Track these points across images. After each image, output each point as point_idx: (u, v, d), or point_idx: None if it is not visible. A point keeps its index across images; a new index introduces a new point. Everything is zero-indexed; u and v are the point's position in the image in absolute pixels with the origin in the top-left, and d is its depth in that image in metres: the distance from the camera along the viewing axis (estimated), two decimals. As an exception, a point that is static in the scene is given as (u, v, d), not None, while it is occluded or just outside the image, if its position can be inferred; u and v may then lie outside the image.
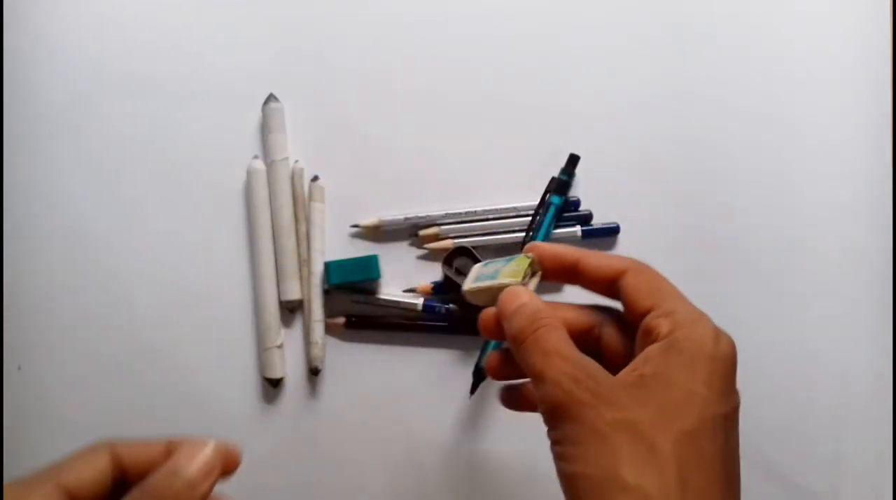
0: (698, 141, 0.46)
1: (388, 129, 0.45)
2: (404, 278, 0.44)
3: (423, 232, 0.44)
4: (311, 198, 0.43)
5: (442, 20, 0.45)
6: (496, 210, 0.44)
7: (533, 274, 0.30)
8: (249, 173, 0.43)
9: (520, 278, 0.29)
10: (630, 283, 0.29)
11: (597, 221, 0.45)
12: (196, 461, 0.23)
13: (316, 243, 0.43)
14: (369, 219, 0.44)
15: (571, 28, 0.46)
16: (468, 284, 0.30)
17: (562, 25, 0.46)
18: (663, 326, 0.27)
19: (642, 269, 0.30)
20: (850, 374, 0.45)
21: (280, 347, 0.43)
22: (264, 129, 0.44)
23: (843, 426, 0.44)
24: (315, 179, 0.44)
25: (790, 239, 0.45)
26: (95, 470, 0.24)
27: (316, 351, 0.42)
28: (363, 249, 0.44)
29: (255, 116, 0.44)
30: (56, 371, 0.43)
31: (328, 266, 0.42)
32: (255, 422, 0.43)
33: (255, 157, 0.44)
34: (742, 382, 0.44)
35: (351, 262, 0.42)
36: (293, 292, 0.43)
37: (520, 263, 0.30)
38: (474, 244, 0.43)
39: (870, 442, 0.44)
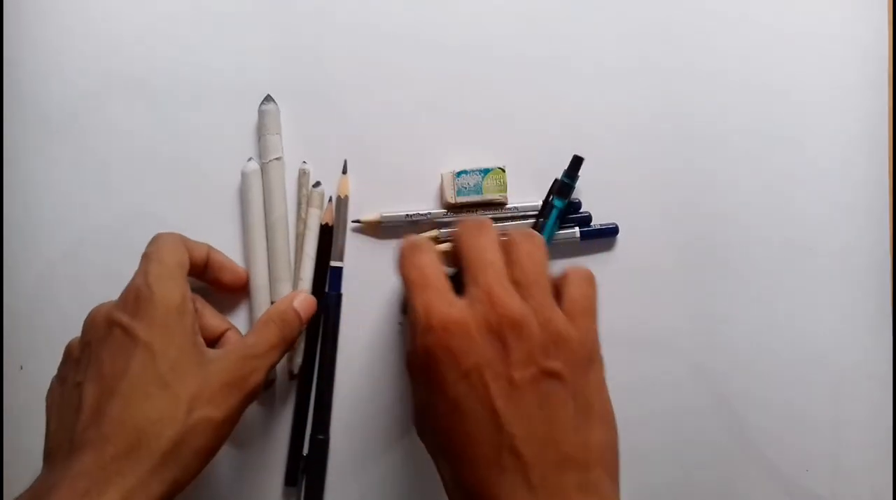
0: (698, 142, 0.45)
1: (388, 129, 0.45)
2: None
3: (423, 234, 0.44)
4: (309, 204, 0.43)
5: (444, 20, 0.45)
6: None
7: None
8: (244, 175, 0.43)
9: None
10: None
11: (596, 223, 0.45)
12: (300, 298, 0.39)
13: (308, 249, 0.43)
14: (370, 215, 0.44)
15: (575, 31, 0.45)
16: None
17: (565, 28, 0.45)
18: None
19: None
20: (848, 375, 0.45)
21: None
22: (260, 130, 0.44)
23: (842, 427, 0.44)
24: (317, 184, 0.44)
25: (789, 241, 0.45)
26: (186, 260, 0.37)
27: (297, 358, 0.43)
28: (364, 248, 0.44)
29: (254, 117, 0.44)
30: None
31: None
32: (246, 423, 0.43)
33: (250, 159, 0.44)
34: (741, 383, 0.45)
35: None
36: (284, 294, 0.43)
37: None
38: None
39: (869, 443, 0.44)
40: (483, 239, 0.33)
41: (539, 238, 0.34)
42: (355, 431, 0.43)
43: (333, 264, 0.43)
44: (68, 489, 0.29)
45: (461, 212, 0.44)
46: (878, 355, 0.45)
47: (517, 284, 0.31)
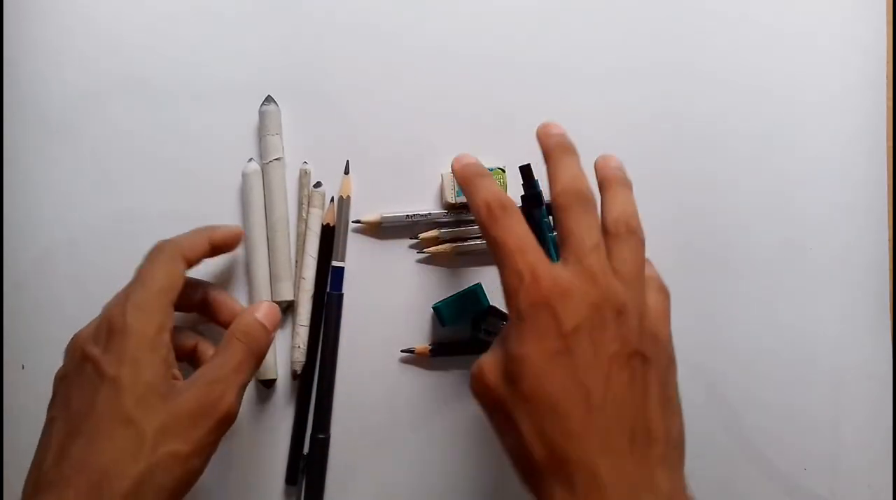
0: (697, 142, 0.45)
1: (388, 130, 0.45)
2: (403, 281, 0.44)
3: (423, 235, 0.44)
4: (310, 204, 0.43)
5: (444, 21, 0.45)
6: None
7: None
8: (245, 176, 0.43)
9: None
10: None
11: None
12: (262, 308, 0.37)
13: (310, 249, 0.43)
14: (371, 215, 0.44)
15: (575, 33, 0.46)
16: None
17: (566, 29, 0.46)
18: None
19: None
20: (847, 375, 0.45)
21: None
22: (260, 130, 0.44)
23: (842, 426, 0.44)
24: (318, 185, 0.44)
25: (788, 241, 0.45)
26: (178, 287, 0.35)
27: (297, 356, 0.43)
28: (365, 248, 0.44)
29: (255, 118, 0.44)
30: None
31: (438, 309, 0.42)
32: (248, 422, 0.44)
33: (250, 160, 0.44)
34: (740, 384, 0.45)
35: (458, 298, 0.42)
36: (286, 293, 0.43)
37: None
38: (474, 249, 0.44)
39: (868, 443, 0.45)
40: (590, 218, 0.33)
41: (642, 236, 0.35)
42: (356, 430, 0.43)
43: (335, 264, 0.44)
44: None
45: (461, 212, 0.44)
46: (878, 355, 0.45)
47: (617, 273, 0.32)
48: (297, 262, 0.44)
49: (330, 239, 0.44)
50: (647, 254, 0.45)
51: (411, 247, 0.44)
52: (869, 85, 0.46)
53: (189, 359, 0.39)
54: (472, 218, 0.44)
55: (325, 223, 0.44)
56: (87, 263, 0.44)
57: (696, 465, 0.44)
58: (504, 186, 0.43)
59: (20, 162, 0.44)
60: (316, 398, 0.43)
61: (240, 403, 0.34)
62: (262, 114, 0.44)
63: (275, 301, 0.43)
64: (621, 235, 0.33)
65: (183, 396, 0.32)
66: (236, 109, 0.44)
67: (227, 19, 0.45)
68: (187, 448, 0.32)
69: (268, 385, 0.43)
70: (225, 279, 0.44)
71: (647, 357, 0.31)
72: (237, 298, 0.44)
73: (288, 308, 0.44)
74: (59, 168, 0.44)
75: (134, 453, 0.30)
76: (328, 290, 0.43)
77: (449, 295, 0.42)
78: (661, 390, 0.31)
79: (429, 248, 0.44)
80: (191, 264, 0.37)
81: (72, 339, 0.34)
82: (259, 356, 0.36)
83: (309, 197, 0.44)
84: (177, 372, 0.34)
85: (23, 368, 0.43)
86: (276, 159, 0.43)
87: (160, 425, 0.31)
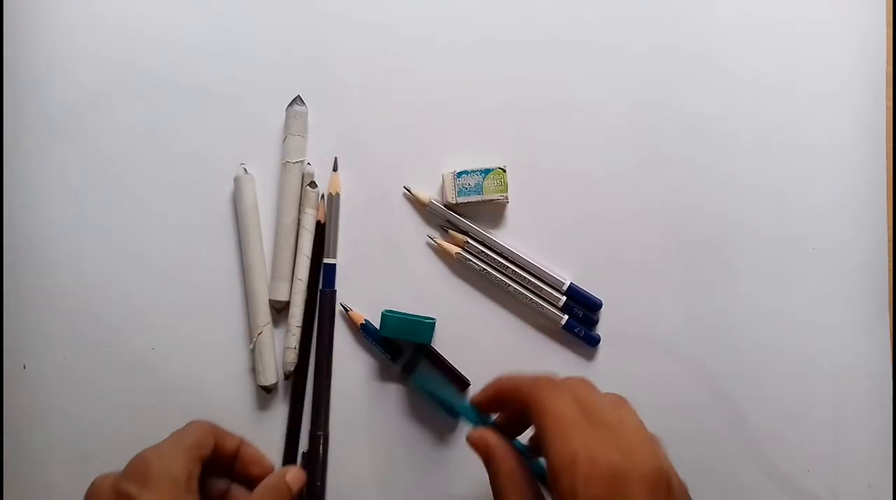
0: (698, 142, 0.45)
1: (389, 130, 0.45)
2: (413, 280, 0.44)
3: (452, 232, 0.44)
4: (304, 203, 0.43)
5: (445, 21, 0.45)
6: (523, 261, 0.44)
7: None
8: (236, 181, 0.43)
9: None
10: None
11: (594, 226, 0.45)
12: (292, 472, 0.38)
13: (304, 249, 0.43)
14: (423, 193, 0.44)
15: (576, 33, 0.46)
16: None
17: (566, 30, 0.46)
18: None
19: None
20: (848, 374, 0.45)
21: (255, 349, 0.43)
22: (285, 130, 0.44)
23: (842, 426, 0.44)
24: (312, 185, 0.44)
25: (788, 240, 0.45)
26: (209, 445, 0.36)
27: (289, 356, 0.43)
28: (360, 244, 0.44)
29: (266, 119, 0.44)
30: (60, 370, 0.43)
31: (385, 317, 0.42)
32: (252, 421, 0.44)
33: (242, 164, 0.44)
34: (740, 383, 0.45)
35: (409, 320, 0.42)
36: (282, 294, 0.43)
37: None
38: (473, 266, 0.44)
39: (868, 442, 0.45)
40: (595, 391, 0.34)
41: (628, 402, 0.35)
42: (355, 425, 0.43)
43: (326, 261, 0.44)
44: None
45: (464, 209, 0.44)
46: (878, 355, 0.45)
47: (644, 438, 0.32)
48: (293, 262, 0.44)
49: (322, 236, 0.44)
50: (648, 254, 0.46)
51: (428, 237, 0.44)
52: (869, 84, 0.46)
53: None
54: (499, 252, 0.44)
55: (317, 220, 0.44)
56: (88, 263, 0.44)
57: (697, 464, 0.44)
58: (505, 185, 0.43)
59: (22, 161, 0.44)
60: (313, 395, 0.43)
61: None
62: (289, 114, 0.44)
63: (271, 299, 0.43)
64: (616, 402, 0.34)
65: None
66: (237, 108, 0.44)
67: (231, 19, 0.45)
68: None
69: (268, 391, 0.43)
70: (220, 278, 0.44)
71: None
72: (234, 298, 0.44)
73: (284, 308, 0.44)
74: (62, 168, 0.44)
75: None
76: (321, 287, 0.43)
77: (404, 312, 0.43)
78: None
79: (440, 241, 0.44)
80: (218, 446, 0.37)
81: (93, 484, 0.34)
82: None
83: (304, 196, 0.44)
84: None
85: (24, 368, 0.43)
86: (299, 162, 0.43)
87: None
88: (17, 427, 0.43)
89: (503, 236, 0.44)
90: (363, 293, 0.44)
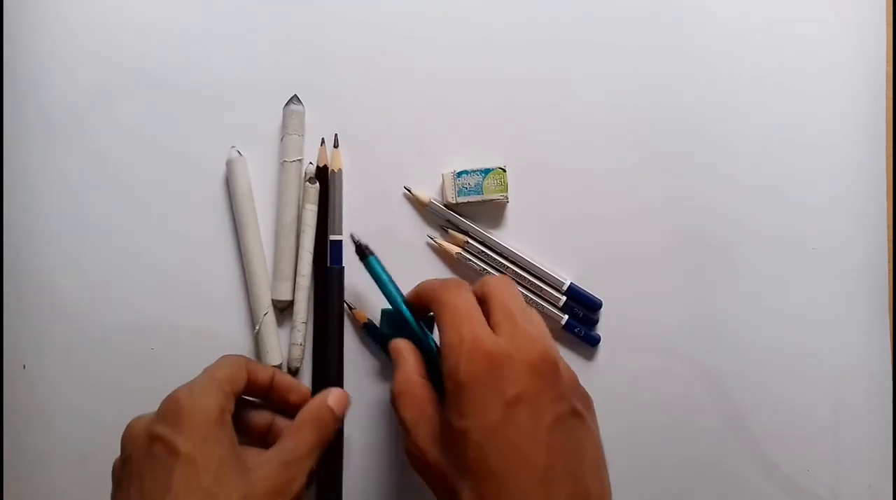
0: (698, 142, 0.45)
1: (388, 130, 0.45)
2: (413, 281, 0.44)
3: (452, 232, 0.44)
4: (305, 200, 0.43)
5: (445, 21, 0.45)
6: (523, 261, 0.44)
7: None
8: (228, 164, 0.43)
9: None
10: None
11: (594, 226, 0.45)
12: (333, 394, 0.38)
13: (306, 245, 0.43)
14: (423, 193, 0.44)
15: (576, 33, 0.46)
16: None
17: (567, 29, 0.46)
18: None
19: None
20: (847, 374, 0.45)
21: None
22: (283, 129, 0.44)
23: (842, 426, 0.44)
24: (312, 181, 0.44)
25: (788, 240, 0.45)
26: (242, 379, 0.36)
27: (296, 353, 0.43)
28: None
29: (266, 119, 0.44)
30: (60, 370, 0.43)
31: (386, 313, 0.42)
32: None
33: (233, 147, 0.43)
34: (740, 383, 0.45)
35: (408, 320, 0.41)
36: (284, 293, 0.43)
37: None
38: (473, 265, 0.44)
39: (868, 442, 0.45)
40: (513, 289, 0.36)
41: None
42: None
43: (332, 237, 0.43)
44: None
45: (464, 208, 0.44)
46: (878, 354, 0.45)
47: (539, 329, 0.34)
48: (295, 260, 0.43)
49: (325, 182, 0.43)
50: (647, 253, 0.46)
51: (429, 238, 0.44)
52: (869, 84, 0.46)
53: (261, 437, 0.39)
54: (499, 252, 0.44)
55: (320, 165, 0.43)
56: (88, 263, 0.44)
57: (696, 464, 0.44)
58: (505, 185, 0.43)
59: (22, 161, 0.44)
60: (327, 377, 0.43)
61: (308, 483, 0.35)
62: (286, 113, 0.44)
63: (273, 299, 0.43)
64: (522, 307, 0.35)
65: (258, 474, 0.33)
66: (237, 108, 0.44)
67: (230, 18, 0.45)
68: None
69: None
70: (221, 278, 0.44)
71: (581, 413, 0.32)
72: (235, 297, 0.44)
73: (287, 308, 0.44)
74: (62, 168, 0.44)
75: None
76: (329, 264, 0.43)
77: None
78: (594, 448, 0.32)
79: (440, 241, 0.44)
80: (251, 379, 0.37)
81: (128, 427, 0.35)
82: (327, 442, 0.37)
83: (304, 192, 0.43)
84: (240, 449, 0.34)
85: (24, 368, 0.43)
86: (297, 160, 0.43)
87: (240, 499, 0.32)
88: (17, 427, 0.43)
89: (503, 236, 0.44)
90: (363, 294, 0.44)
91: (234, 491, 0.32)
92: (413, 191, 0.44)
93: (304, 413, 0.37)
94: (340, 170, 0.44)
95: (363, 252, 0.41)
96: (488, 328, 0.33)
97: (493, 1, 0.45)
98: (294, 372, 0.43)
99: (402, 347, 0.38)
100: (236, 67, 0.45)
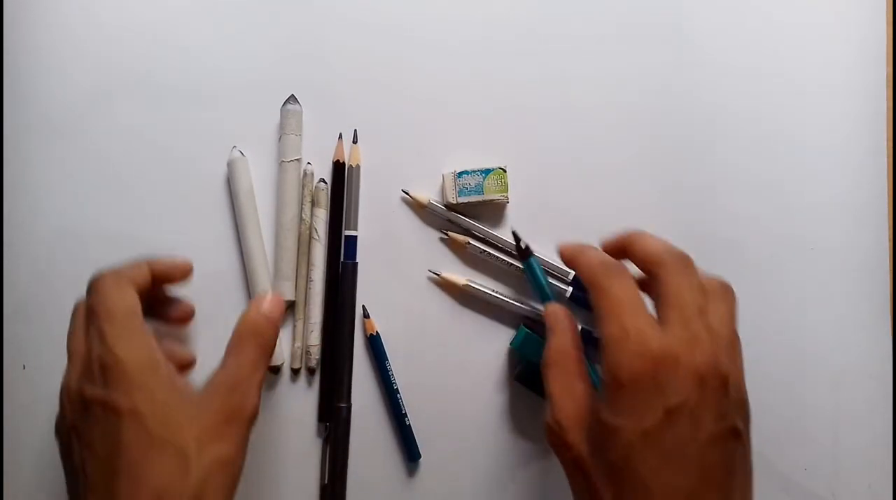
0: (698, 141, 0.46)
1: (389, 130, 0.45)
2: (413, 281, 0.44)
3: (453, 235, 0.44)
4: (315, 203, 0.43)
5: (446, 21, 0.45)
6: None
7: None
8: (230, 164, 0.43)
9: None
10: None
11: (594, 226, 0.45)
12: (265, 301, 0.36)
13: (317, 251, 0.43)
14: (422, 194, 0.44)
15: (576, 32, 0.46)
16: None
17: (567, 29, 0.46)
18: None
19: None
20: (847, 375, 0.45)
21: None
22: (281, 129, 0.44)
23: (841, 426, 0.44)
24: (324, 182, 0.44)
25: (788, 240, 0.45)
26: (146, 275, 0.35)
27: (314, 354, 0.43)
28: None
29: (265, 119, 0.44)
30: (60, 370, 0.43)
31: (521, 333, 0.41)
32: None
33: (234, 147, 0.43)
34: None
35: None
36: (286, 293, 0.43)
37: None
38: (487, 258, 0.44)
39: (868, 443, 0.45)
40: (691, 279, 0.32)
41: (735, 295, 0.34)
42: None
43: (347, 233, 0.43)
44: None
45: (464, 209, 0.44)
46: (878, 355, 0.45)
47: (715, 335, 0.31)
48: (299, 266, 0.43)
49: (341, 179, 0.43)
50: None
51: (439, 240, 0.45)
52: (869, 84, 0.46)
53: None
54: (498, 245, 0.44)
55: (335, 161, 0.43)
56: (89, 263, 0.44)
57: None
58: (505, 185, 0.43)
59: (22, 161, 0.44)
60: (337, 368, 0.43)
61: (260, 396, 0.34)
62: (283, 113, 0.44)
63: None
64: (717, 291, 0.33)
65: (207, 404, 0.32)
66: (239, 108, 0.44)
67: (230, 18, 0.45)
68: (230, 449, 0.32)
69: (275, 371, 0.43)
70: (221, 277, 0.44)
71: (740, 432, 0.30)
72: (236, 297, 0.44)
73: (289, 308, 0.44)
74: (62, 167, 0.44)
75: (182, 470, 0.30)
76: (342, 259, 0.43)
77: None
78: (744, 474, 0.30)
79: (453, 235, 0.44)
80: (139, 289, 0.35)
81: (61, 390, 0.33)
82: (270, 351, 0.36)
83: (313, 195, 0.43)
84: (181, 381, 0.33)
85: (24, 368, 0.43)
86: (295, 160, 0.43)
87: (195, 437, 0.31)
88: (17, 427, 0.43)
89: (503, 237, 0.44)
90: (363, 294, 0.44)
91: (187, 431, 0.31)
92: (411, 193, 0.44)
93: (240, 329, 0.35)
94: (358, 165, 0.44)
95: (525, 253, 0.41)
96: (654, 323, 0.30)
97: (493, 1, 0.45)
98: (311, 371, 0.43)
99: (561, 313, 0.36)
100: (236, 67, 0.45)
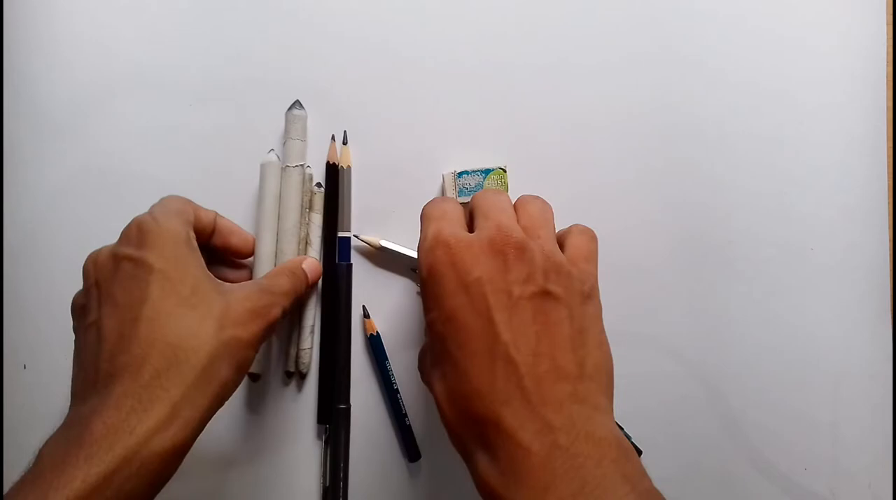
0: (698, 143, 0.46)
1: (388, 130, 0.45)
2: (413, 281, 0.44)
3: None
4: (311, 207, 0.43)
5: (446, 21, 0.45)
6: None
7: None
8: (263, 166, 0.42)
9: None
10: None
11: (594, 227, 0.45)
12: (308, 261, 0.40)
13: (313, 255, 0.43)
14: (373, 237, 0.43)
15: (576, 32, 0.46)
16: None
17: (566, 29, 0.46)
18: None
19: None
20: (848, 375, 0.45)
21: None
22: (285, 134, 0.43)
23: (841, 426, 0.44)
24: (319, 185, 0.43)
25: (788, 241, 0.45)
26: (192, 212, 0.36)
27: (304, 358, 0.43)
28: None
29: (267, 123, 0.44)
30: (60, 370, 0.43)
31: None
32: (251, 412, 0.44)
33: (271, 150, 0.43)
34: (740, 384, 0.45)
35: None
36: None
37: None
38: None
39: (868, 443, 0.45)
40: (499, 196, 0.34)
41: (546, 201, 0.35)
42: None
43: (341, 234, 0.43)
44: (113, 409, 0.28)
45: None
46: (878, 355, 0.45)
47: (524, 228, 0.32)
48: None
49: (335, 179, 0.43)
50: (647, 254, 0.45)
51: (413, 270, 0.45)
52: (869, 86, 0.46)
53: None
54: None
55: (329, 163, 0.43)
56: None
57: (695, 464, 0.44)
58: (505, 185, 0.43)
59: (22, 161, 0.44)
60: (335, 369, 0.43)
61: (279, 319, 0.35)
62: (288, 118, 0.43)
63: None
64: (525, 199, 0.34)
65: (237, 293, 0.33)
66: (240, 112, 0.45)
67: (230, 19, 0.45)
68: (248, 336, 0.32)
69: (254, 379, 0.43)
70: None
71: (553, 293, 0.30)
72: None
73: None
74: (62, 167, 0.44)
75: (203, 331, 0.31)
76: (336, 261, 0.43)
77: None
78: (572, 324, 0.30)
79: None
80: (197, 216, 0.37)
81: (90, 256, 0.33)
82: (298, 295, 0.38)
83: (311, 198, 0.43)
84: (214, 278, 0.34)
85: (24, 368, 0.43)
86: (297, 166, 0.43)
87: (221, 312, 0.32)
88: (17, 427, 0.43)
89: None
90: (362, 295, 0.44)
91: (214, 303, 0.31)
92: (362, 237, 0.44)
93: (282, 266, 0.38)
94: (349, 166, 0.44)
95: None
96: (459, 226, 0.32)
97: (493, 2, 0.45)
98: (302, 376, 0.43)
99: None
100: (237, 70, 0.45)
